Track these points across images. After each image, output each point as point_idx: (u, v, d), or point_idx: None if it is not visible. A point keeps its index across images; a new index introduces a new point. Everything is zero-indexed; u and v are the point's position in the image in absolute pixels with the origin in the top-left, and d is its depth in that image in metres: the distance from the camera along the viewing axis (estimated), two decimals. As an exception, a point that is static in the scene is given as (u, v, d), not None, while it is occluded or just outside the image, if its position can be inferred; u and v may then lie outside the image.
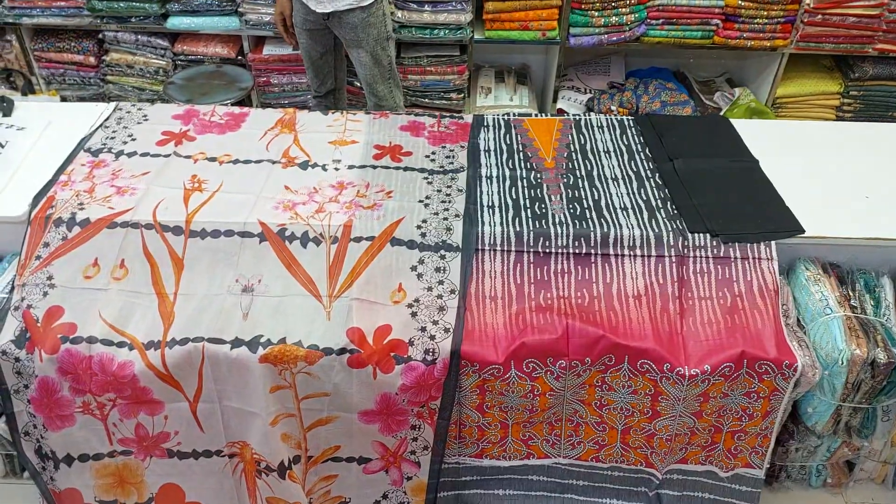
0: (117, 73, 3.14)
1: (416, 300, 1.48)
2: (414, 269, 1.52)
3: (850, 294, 1.53)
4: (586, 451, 1.56)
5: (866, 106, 2.89)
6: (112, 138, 1.76)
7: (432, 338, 1.44)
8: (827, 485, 1.69)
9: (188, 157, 1.72)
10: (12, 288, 1.48)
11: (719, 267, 1.53)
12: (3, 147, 1.69)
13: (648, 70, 3.13)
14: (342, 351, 1.39)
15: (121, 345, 1.40)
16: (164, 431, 1.46)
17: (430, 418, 1.47)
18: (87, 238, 1.51)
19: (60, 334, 1.41)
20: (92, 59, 3.08)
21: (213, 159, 1.71)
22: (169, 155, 1.72)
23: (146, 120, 1.84)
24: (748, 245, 1.54)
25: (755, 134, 1.87)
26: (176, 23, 2.96)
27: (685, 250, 1.53)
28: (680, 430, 1.50)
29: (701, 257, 1.53)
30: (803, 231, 1.56)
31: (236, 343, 1.38)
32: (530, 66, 3.19)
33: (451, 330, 1.44)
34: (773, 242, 1.54)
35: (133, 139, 1.76)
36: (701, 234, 1.54)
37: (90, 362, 1.39)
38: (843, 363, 1.41)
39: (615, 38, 2.87)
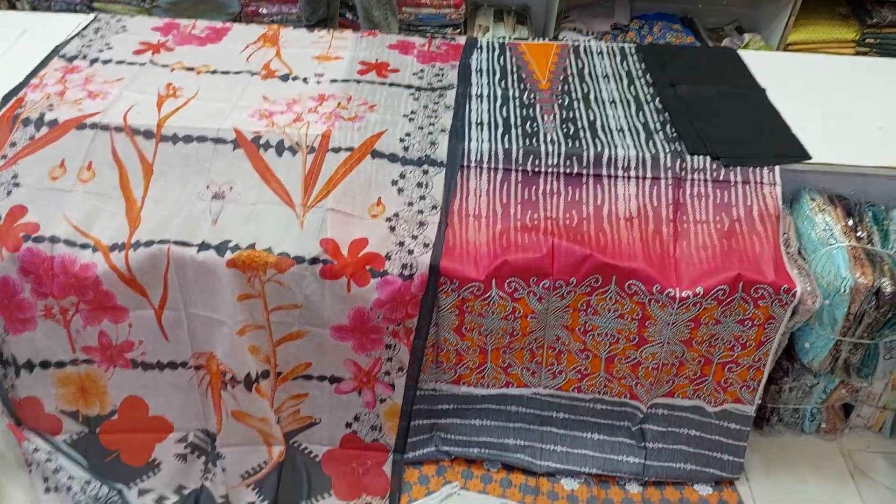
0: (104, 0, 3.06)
1: (396, 214, 1.40)
2: (395, 183, 1.44)
3: (858, 225, 1.44)
4: (567, 380, 1.49)
5: (882, 55, 2.74)
6: (88, 46, 1.69)
7: (410, 252, 1.36)
8: (821, 430, 1.61)
9: (165, 66, 1.64)
10: (-25, 188, 1.43)
11: (718, 191, 1.44)
12: (-27, 49, 1.63)
13: (654, 15, 3.02)
14: (315, 261, 1.32)
15: (84, 246, 1.34)
16: (128, 340, 1.40)
17: (405, 338, 1.41)
18: (54, 139, 1.44)
19: (23, 233, 1.34)
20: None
21: (190, 69, 1.63)
22: (145, 63, 1.64)
23: (124, 31, 1.76)
24: (750, 169, 1.45)
25: (764, 65, 1.76)
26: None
27: (682, 173, 1.45)
28: (667, 360, 1.43)
29: (699, 180, 1.45)
30: (809, 157, 1.47)
31: (203, 247, 1.32)
32: (531, 6, 3.09)
33: (431, 245, 1.37)
34: (776, 167, 1.45)
35: (109, 48, 1.69)
36: (700, 157, 1.46)
37: (52, 263, 1.33)
38: (845, 291, 1.32)
39: (620, -21, 2.75)
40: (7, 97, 1.51)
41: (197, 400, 1.46)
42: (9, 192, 1.39)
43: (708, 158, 1.46)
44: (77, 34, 1.74)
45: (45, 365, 1.43)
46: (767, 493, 1.51)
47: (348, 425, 1.50)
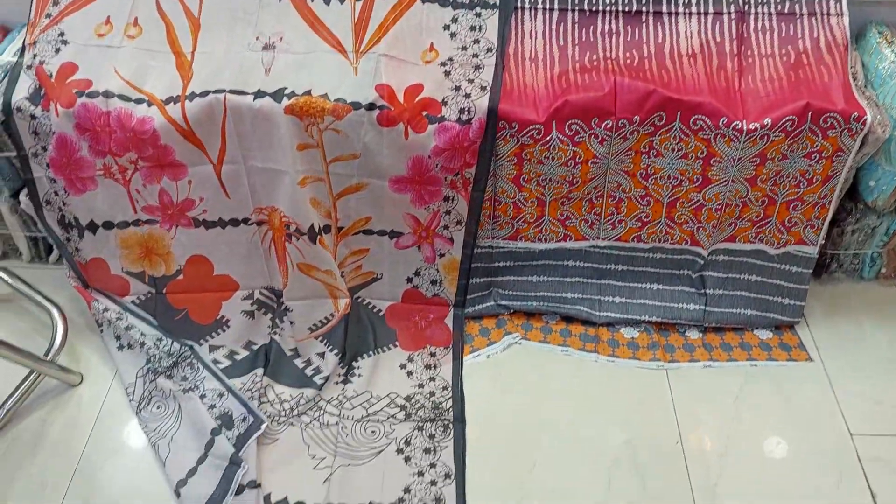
0: None
1: (450, 59, 1.37)
2: (447, 27, 1.40)
3: (927, 57, 1.39)
4: (627, 230, 1.48)
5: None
6: None
7: (467, 96, 1.34)
8: (881, 276, 1.60)
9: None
10: (23, 51, 1.41)
11: (783, 24, 1.39)
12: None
13: None
14: (371, 106, 1.30)
15: (139, 101, 1.33)
16: (188, 198, 1.41)
17: (463, 189, 1.40)
18: (97, -5, 1.42)
19: (76, 89, 1.33)
20: None
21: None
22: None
23: None
24: (815, 1, 1.39)
25: None
26: None
27: (746, 7, 1.39)
28: (731, 201, 1.41)
29: (763, 14, 1.39)
30: (880, -15, 1.41)
31: (259, 94, 1.30)
32: None
33: (488, 88, 1.34)
34: (843, -2, 1.40)
35: None
36: (764, -10, 1.41)
37: (108, 118, 1.32)
38: (915, 122, 1.29)
39: None
40: (44, -42, 1.48)
41: (260, 257, 1.47)
42: (57, 50, 1.38)
43: (772, -9, 1.41)
44: None
45: (107, 226, 1.44)
46: (827, 337, 1.51)
47: (409, 280, 1.52)
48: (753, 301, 1.52)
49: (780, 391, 1.41)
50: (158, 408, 1.38)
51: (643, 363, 1.46)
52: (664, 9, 1.40)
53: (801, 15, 1.39)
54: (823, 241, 1.47)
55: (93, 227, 1.44)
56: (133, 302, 1.50)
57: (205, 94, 1.31)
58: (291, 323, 1.46)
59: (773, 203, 1.42)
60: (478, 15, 1.40)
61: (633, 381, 1.43)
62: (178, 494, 1.25)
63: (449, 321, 1.53)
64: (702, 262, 1.50)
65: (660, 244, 1.50)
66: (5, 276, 1.55)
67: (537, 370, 1.46)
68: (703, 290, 1.52)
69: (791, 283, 1.51)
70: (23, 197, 1.47)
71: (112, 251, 1.46)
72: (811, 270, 1.49)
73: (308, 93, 1.31)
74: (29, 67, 1.37)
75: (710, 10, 1.39)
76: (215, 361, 1.44)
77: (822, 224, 1.43)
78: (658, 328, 1.53)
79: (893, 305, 1.58)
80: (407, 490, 1.27)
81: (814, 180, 1.38)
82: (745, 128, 1.30)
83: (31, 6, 1.42)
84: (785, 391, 1.41)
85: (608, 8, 1.40)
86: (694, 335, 1.52)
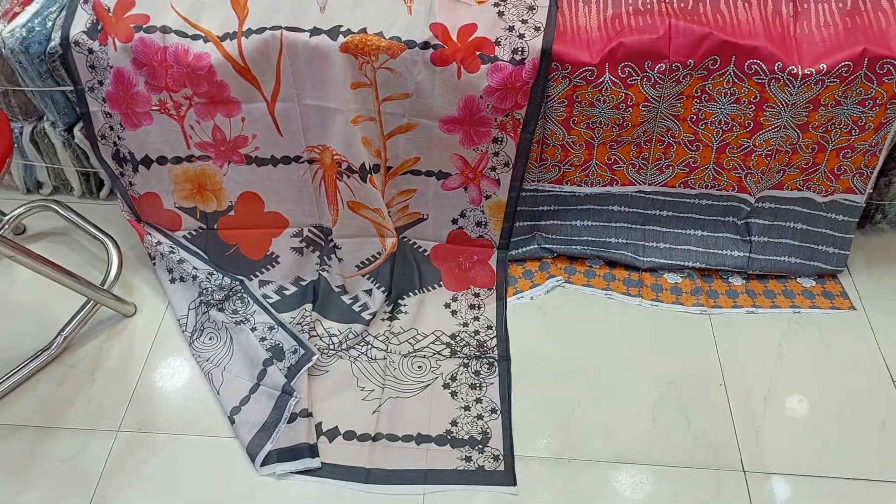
0: None
1: (503, -1, 1.38)
2: (500, -32, 1.40)
3: None
4: (675, 175, 1.48)
5: None
6: None
7: (521, 36, 1.34)
8: (925, 230, 1.61)
9: None
10: (79, -14, 1.43)
11: (840, -32, 1.38)
12: None
13: None
14: (425, 45, 1.31)
15: (195, 37, 1.34)
16: (241, 135, 1.43)
17: (513, 131, 1.41)
18: (151, -67, 1.42)
19: (133, 24, 1.35)
20: None
21: None
22: None
23: None
24: (875, -55, 1.37)
25: None
26: None
27: (804, -50, 1.38)
28: (781, 147, 1.41)
29: (821, -42, 1.38)
30: (943, -71, 1.38)
31: (315, 32, 1.31)
32: None
33: (542, 28, 1.34)
34: (905, -58, 1.37)
35: None
36: (823, -67, 1.38)
37: (165, 53, 1.34)
38: (976, 65, 1.27)
39: None
40: None
41: (311, 195, 1.50)
42: (114, -15, 1.39)
43: (832, -66, 1.38)
44: None
45: (161, 161, 1.47)
46: (869, 287, 1.52)
47: (454, 221, 1.53)
48: (798, 249, 1.52)
49: (822, 338, 1.43)
50: (211, 339, 1.42)
51: (687, 308, 1.47)
52: (720, -49, 1.39)
53: (860, -41, 1.38)
54: (871, 191, 1.47)
55: (147, 161, 1.46)
56: (185, 237, 1.53)
57: (261, 30, 1.32)
58: (340, 260, 1.49)
59: (823, 150, 1.42)
60: (532, -45, 1.40)
61: (676, 326, 1.45)
62: (232, 421, 1.30)
63: (493, 263, 1.55)
64: (748, 209, 1.50)
65: (707, 190, 1.50)
66: (59, 209, 1.58)
67: (581, 313, 1.48)
68: (748, 238, 1.52)
69: (837, 232, 1.51)
70: (77, 131, 1.51)
71: (165, 186, 1.49)
72: (857, 219, 1.50)
73: (363, 31, 1.31)
74: (86, 2, 1.38)
75: (768, -47, 1.38)
76: (265, 296, 1.48)
77: (872, 173, 1.43)
78: (701, 274, 1.54)
79: (937, 259, 1.59)
80: (454, 423, 1.31)
81: (866, 128, 1.37)
82: (800, 73, 1.30)
83: (86, -60, 1.44)
84: (827, 339, 1.43)
85: (664, -50, 1.39)
86: (737, 282, 1.53)
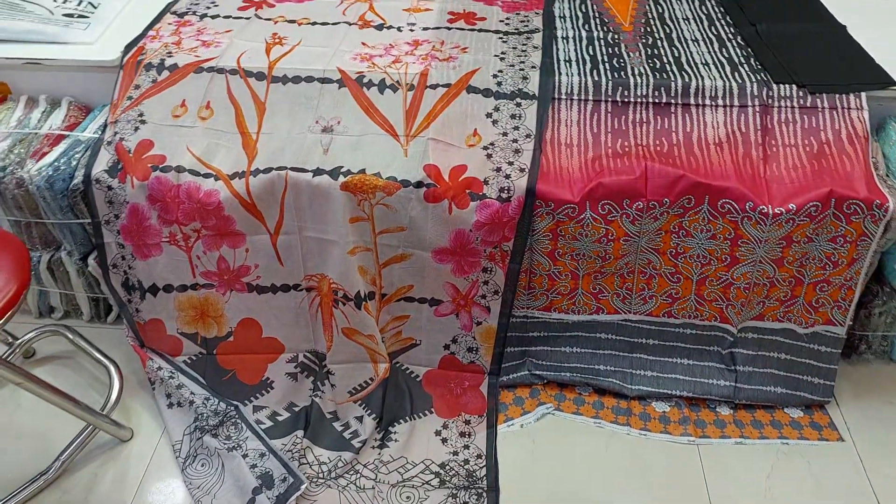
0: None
1: (492, 143, 1.48)
2: (489, 115, 1.52)
3: (946, 149, 1.46)
4: (658, 305, 1.54)
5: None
6: (196, 4, 1.82)
7: (507, 177, 1.44)
8: (911, 359, 1.63)
9: (268, 19, 1.76)
10: (105, 129, 1.56)
11: (805, 116, 1.48)
12: (95, 7, 1.77)
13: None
14: (419, 184, 1.41)
15: (207, 175, 1.45)
16: (244, 265, 1.51)
17: (501, 261, 1.48)
18: (175, 81, 1.56)
19: (151, 164, 1.46)
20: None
21: (291, 21, 1.75)
22: (250, 17, 1.76)
23: (229, -10, 1.91)
24: (836, 96, 1.48)
25: (841, 3, 1.80)
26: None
27: (769, 100, 1.49)
28: (759, 280, 1.46)
29: (786, 107, 1.49)
30: (895, 83, 1.50)
31: (318, 172, 1.41)
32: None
33: (527, 170, 1.44)
34: (862, 94, 1.48)
35: (216, 5, 1.82)
36: (786, 86, 1.50)
37: (178, 190, 1.44)
38: (937, 207, 1.35)
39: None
40: (129, 46, 1.64)
41: (307, 321, 1.55)
42: (136, 129, 1.52)
43: (794, 87, 1.50)
44: (184, -5, 1.88)
45: (167, 289, 1.54)
46: (857, 418, 1.53)
47: (446, 347, 1.58)
48: (783, 379, 1.54)
49: (811, 471, 1.42)
50: (203, 465, 1.43)
51: (675, 437, 1.48)
52: (692, 101, 1.51)
53: (823, 108, 1.49)
54: (851, 323, 1.51)
55: (154, 289, 1.54)
56: (185, 361, 1.58)
57: (268, 170, 1.43)
58: (333, 386, 1.52)
59: (801, 284, 1.48)
60: (518, 105, 1.52)
61: (664, 456, 1.45)
62: (219, 550, 1.29)
63: (484, 389, 1.58)
64: (731, 339, 1.54)
65: (690, 320, 1.55)
66: (69, 334, 1.65)
67: (570, 441, 1.49)
68: (733, 367, 1.55)
69: (820, 363, 1.53)
70: (91, 260, 1.59)
71: (169, 313, 1.56)
72: (840, 351, 1.53)
73: (362, 171, 1.42)
74: (109, 143, 1.51)
75: (736, 103, 1.49)
76: (258, 422, 1.50)
77: (849, 305, 1.48)
78: (689, 403, 1.56)
79: (925, 389, 1.60)
80: (441, 556, 1.30)
81: (839, 263, 1.43)
82: (770, 211, 1.38)
83: (114, 89, 1.58)
84: (816, 471, 1.42)
85: (639, 100, 1.51)
86: (725, 411, 1.54)
